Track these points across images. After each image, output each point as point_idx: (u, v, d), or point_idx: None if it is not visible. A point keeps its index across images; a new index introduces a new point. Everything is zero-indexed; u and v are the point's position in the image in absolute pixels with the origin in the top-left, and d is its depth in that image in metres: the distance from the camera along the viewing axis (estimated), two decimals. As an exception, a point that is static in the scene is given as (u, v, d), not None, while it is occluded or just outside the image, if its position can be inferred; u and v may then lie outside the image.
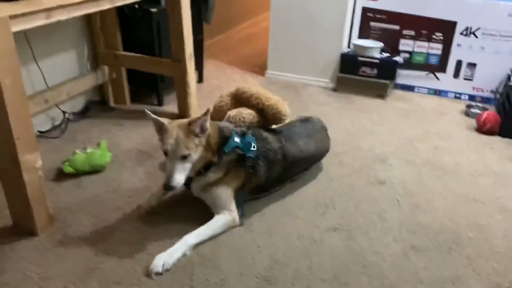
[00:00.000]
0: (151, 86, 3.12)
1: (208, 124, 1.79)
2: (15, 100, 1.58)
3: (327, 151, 2.40)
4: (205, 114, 1.75)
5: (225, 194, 1.90)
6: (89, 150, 2.28)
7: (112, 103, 3.08)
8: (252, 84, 3.56)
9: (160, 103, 3.10)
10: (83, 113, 2.92)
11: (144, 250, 1.77)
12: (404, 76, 3.48)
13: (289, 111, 2.31)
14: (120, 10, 2.81)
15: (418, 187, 2.27)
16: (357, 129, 2.87)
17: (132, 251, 1.77)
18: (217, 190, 1.89)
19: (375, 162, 2.49)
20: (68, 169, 2.20)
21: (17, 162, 1.66)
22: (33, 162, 1.72)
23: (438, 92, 3.43)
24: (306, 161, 2.26)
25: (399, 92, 3.49)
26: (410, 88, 3.49)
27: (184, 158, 1.73)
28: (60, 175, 2.24)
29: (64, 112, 2.77)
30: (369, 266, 1.74)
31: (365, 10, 3.39)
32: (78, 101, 2.92)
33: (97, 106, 3.02)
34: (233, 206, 1.93)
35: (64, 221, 1.92)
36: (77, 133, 2.70)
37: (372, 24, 3.42)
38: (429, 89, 3.45)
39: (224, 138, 1.90)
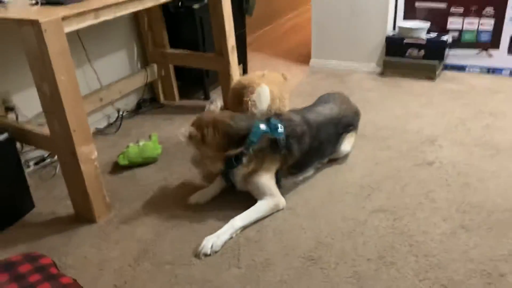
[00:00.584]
0: (197, 82, 3.22)
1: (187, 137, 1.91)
2: (70, 96, 1.71)
3: (357, 113, 2.37)
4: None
5: (265, 180, 1.95)
6: (141, 143, 2.41)
7: (162, 100, 3.22)
8: (295, 74, 3.57)
9: (207, 98, 3.20)
10: (136, 110, 3.08)
11: (194, 234, 1.86)
12: (454, 56, 3.35)
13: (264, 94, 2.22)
14: (165, 8, 2.93)
15: (469, 167, 2.19)
16: (405, 112, 2.81)
17: (183, 234, 1.86)
18: (256, 178, 1.94)
19: (424, 144, 2.43)
20: (122, 161, 2.34)
21: (75, 154, 1.80)
22: (89, 153, 1.85)
23: (491, 70, 3.27)
24: (334, 124, 2.19)
25: (449, 73, 3.36)
26: (461, 68, 3.36)
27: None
28: (116, 168, 2.39)
29: (118, 110, 2.93)
30: (416, 246, 1.72)
31: (409, -10, 3.30)
32: (131, 99, 3.09)
33: (148, 103, 3.17)
34: (275, 190, 1.98)
35: (120, 209, 2.05)
36: (131, 128, 2.85)
37: (417, 4, 3.31)
38: (481, 67, 3.30)
39: (243, 133, 1.92)
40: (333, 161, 2.29)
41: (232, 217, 1.91)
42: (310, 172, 2.19)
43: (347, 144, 2.29)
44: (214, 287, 1.59)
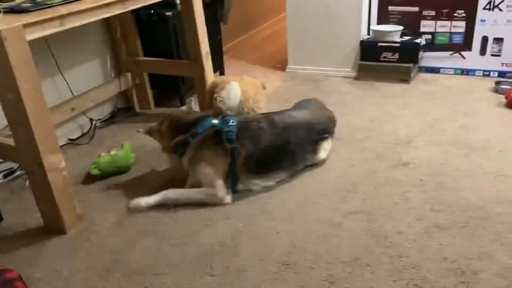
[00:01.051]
0: (173, 89, 3.19)
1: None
2: (35, 105, 1.67)
3: (332, 120, 2.37)
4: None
5: (206, 171, 2.02)
6: (113, 152, 2.36)
7: (137, 109, 3.18)
8: (272, 80, 3.57)
9: (183, 104, 3.17)
10: (110, 120, 3.03)
11: (166, 243, 1.82)
12: (428, 58, 3.39)
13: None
14: (137, 16, 2.91)
15: (443, 167, 2.20)
16: (380, 114, 2.82)
17: (155, 243, 1.82)
18: (198, 167, 2.04)
19: (399, 145, 2.43)
20: (94, 171, 2.29)
21: (41, 164, 1.75)
22: (57, 163, 1.81)
23: (465, 72, 3.31)
24: (305, 129, 2.18)
25: (424, 75, 3.40)
26: (435, 70, 3.39)
27: None
28: (88, 178, 2.34)
29: (91, 120, 2.89)
30: (391, 247, 1.71)
31: (382, -6, 3.34)
32: (105, 109, 3.04)
33: (123, 112, 3.13)
34: (217, 182, 1.99)
35: (91, 220, 2.01)
36: (104, 138, 2.81)
37: (391, 8, 3.35)
38: (455, 69, 3.34)
39: (189, 124, 2.07)
40: (308, 166, 2.28)
41: (207, 224, 1.90)
42: (281, 175, 2.16)
43: (323, 152, 2.27)
44: (186, 296, 1.56)
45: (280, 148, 2.10)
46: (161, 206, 2.05)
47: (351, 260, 1.66)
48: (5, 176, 2.36)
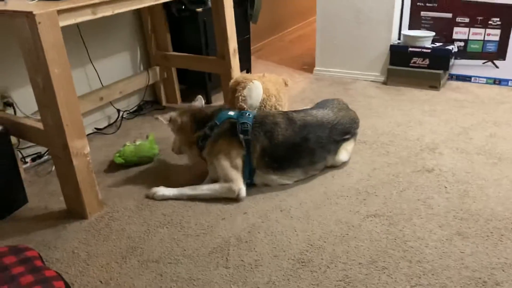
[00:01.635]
0: (200, 85, 3.22)
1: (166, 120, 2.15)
2: (63, 89, 1.71)
3: (355, 121, 2.29)
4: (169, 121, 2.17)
5: (222, 163, 2.03)
6: (138, 142, 2.40)
7: (164, 102, 3.22)
8: (298, 81, 3.56)
9: (208, 101, 3.19)
10: (137, 111, 3.08)
11: (183, 232, 1.83)
12: (460, 66, 3.31)
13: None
14: (168, 12, 2.95)
15: (469, 175, 2.14)
16: (407, 120, 2.77)
17: (172, 233, 1.83)
18: (216, 161, 2.05)
19: (424, 151, 2.38)
20: (118, 159, 2.33)
21: (67, 148, 1.79)
22: (82, 148, 1.85)
23: (497, 81, 3.22)
24: (327, 129, 2.14)
25: (454, 83, 3.32)
26: (466, 78, 3.31)
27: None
28: (112, 166, 2.38)
29: (118, 110, 2.94)
30: (410, 251, 1.67)
31: (414, -1, 3.28)
32: (132, 100, 3.09)
33: (150, 105, 3.18)
34: (233, 175, 2.00)
35: (112, 206, 2.04)
36: (130, 129, 2.85)
37: (423, 13, 3.29)
38: (487, 78, 3.25)
39: (206, 117, 2.11)
40: (329, 167, 2.26)
41: (224, 217, 1.90)
42: (298, 173, 2.14)
43: (344, 153, 2.24)
44: (199, 286, 1.56)
45: (297, 145, 2.08)
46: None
47: (369, 263, 1.63)
48: (33, 160, 2.42)
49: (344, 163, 2.27)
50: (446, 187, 2.06)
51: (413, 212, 1.89)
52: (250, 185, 2.10)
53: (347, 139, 2.25)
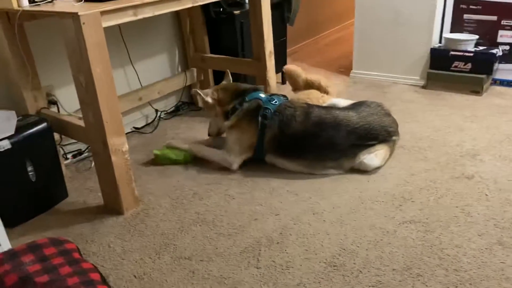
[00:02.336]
0: (235, 87, 3.24)
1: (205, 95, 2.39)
2: (104, 88, 1.77)
3: (387, 128, 2.23)
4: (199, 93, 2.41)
5: (233, 138, 2.27)
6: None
7: (199, 104, 3.26)
8: (335, 84, 3.53)
9: (243, 103, 3.21)
10: (174, 112, 3.14)
11: (215, 231, 1.85)
12: (505, 71, 3.18)
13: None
14: (207, 14, 2.99)
15: (511, 183, 2.06)
16: (446, 125, 2.69)
17: (205, 231, 1.86)
18: (229, 133, 2.30)
19: (464, 157, 2.31)
20: (156, 151, 2.38)
21: (106, 145, 1.85)
22: (120, 145, 1.90)
23: (545, 87, 3.08)
24: (346, 131, 2.15)
25: (498, 88, 3.20)
26: (511, 84, 3.18)
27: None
28: (149, 165, 2.44)
29: (156, 110, 3.01)
30: (447, 259, 1.62)
31: (457, 1, 3.18)
32: (170, 101, 3.15)
33: (187, 106, 3.23)
34: (234, 150, 2.25)
35: (148, 203, 2.08)
36: (167, 129, 2.91)
37: (466, 16, 3.19)
38: (534, 83, 3.12)
39: (240, 93, 2.32)
40: (363, 172, 2.22)
41: (256, 218, 1.91)
42: (302, 165, 2.21)
43: (371, 158, 2.18)
44: (230, 285, 1.57)
45: (305, 140, 2.18)
46: (215, 195, 2.09)
47: (403, 269, 1.59)
48: (74, 156, 2.51)
49: (375, 169, 2.21)
50: (487, 194, 1.99)
51: (451, 220, 1.84)
52: (261, 160, 2.30)
53: (372, 145, 2.19)
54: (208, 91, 2.41)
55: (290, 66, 2.86)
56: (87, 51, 1.67)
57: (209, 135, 2.55)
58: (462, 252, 1.65)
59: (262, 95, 2.29)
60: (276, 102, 2.25)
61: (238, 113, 2.27)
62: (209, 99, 2.37)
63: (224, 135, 2.43)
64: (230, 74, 2.52)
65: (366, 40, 3.49)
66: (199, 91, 2.39)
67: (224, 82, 2.49)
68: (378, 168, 2.23)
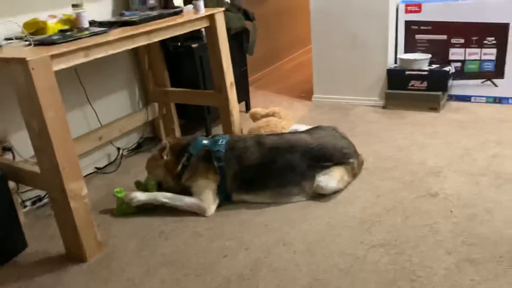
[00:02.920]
0: (199, 119, 3.22)
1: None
2: (58, 132, 1.71)
3: (341, 150, 2.24)
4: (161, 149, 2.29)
5: (199, 184, 2.20)
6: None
7: (163, 138, 3.21)
8: (297, 109, 3.57)
9: (208, 134, 3.18)
10: (137, 149, 3.08)
11: (184, 272, 1.79)
12: (459, 86, 3.30)
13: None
14: (165, 48, 2.99)
15: (475, 198, 2.09)
16: (409, 143, 2.74)
17: (171, 272, 1.79)
18: (193, 182, 2.22)
19: (428, 175, 2.34)
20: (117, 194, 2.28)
21: (64, 191, 1.78)
22: (79, 190, 1.83)
23: (497, 100, 3.20)
24: (300, 153, 2.18)
25: (454, 104, 3.31)
26: (466, 99, 3.30)
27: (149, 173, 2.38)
28: (113, 205, 2.35)
29: (118, 149, 2.94)
30: (419, 281, 1.61)
31: (408, 23, 3.30)
32: (132, 138, 3.09)
33: (150, 141, 3.17)
34: (205, 196, 2.17)
35: (112, 247, 2.00)
36: (131, 167, 2.84)
37: (418, 36, 3.31)
38: (487, 97, 3.23)
39: (183, 148, 2.27)
40: (329, 197, 2.21)
41: (226, 255, 1.86)
42: (267, 194, 2.19)
43: (329, 180, 2.18)
44: (201, 329, 1.51)
45: (265, 167, 2.18)
46: (183, 233, 2.03)
47: (376, 295, 1.57)
48: (33, 203, 2.41)
49: (333, 191, 2.21)
50: (452, 211, 2.01)
51: (420, 240, 1.84)
52: (229, 201, 2.24)
53: (327, 167, 2.20)
54: (155, 154, 2.32)
55: (251, 111, 2.98)
56: (38, 97, 1.62)
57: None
58: (433, 272, 1.65)
59: (205, 141, 2.27)
60: (222, 141, 2.24)
61: (190, 167, 2.23)
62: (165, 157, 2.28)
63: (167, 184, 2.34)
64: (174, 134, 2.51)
65: (325, 64, 3.56)
66: (159, 148, 2.30)
67: (169, 140, 2.39)
68: (336, 191, 2.22)
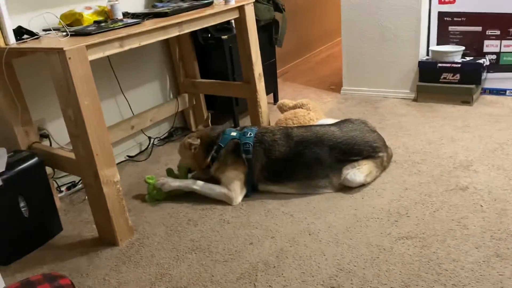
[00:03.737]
0: (227, 110, 3.26)
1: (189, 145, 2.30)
2: (93, 120, 1.78)
3: (371, 144, 2.23)
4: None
5: (228, 175, 2.23)
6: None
7: (193, 128, 3.27)
8: (326, 101, 3.55)
9: (236, 125, 3.22)
10: (167, 138, 3.15)
11: (211, 258, 1.83)
12: (493, 80, 3.21)
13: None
14: (195, 40, 3.03)
15: (507, 193, 2.05)
16: (439, 137, 2.70)
17: (201, 259, 1.84)
18: (222, 174, 2.25)
19: (457, 169, 2.30)
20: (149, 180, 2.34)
21: (97, 177, 1.85)
22: (112, 176, 1.90)
23: (534, 93, 3.11)
24: (328, 146, 2.17)
25: (488, 97, 3.22)
26: (500, 92, 3.21)
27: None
28: (143, 193, 2.42)
29: (149, 138, 3.01)
30: (445, 274, 1.60)
31: (441, 14, 3.23)
32: (163, 128, 3.17)
33: (180, 131, 3.24)
34: (233, 186, 2.20)
35: (143, 232, 2.07)
36: (161, 156, 2.91)
37: (451, 28, 3.24)
38: (523, 91, 3.14)
39: (212, 141, 2.29)
40: (357, 189, 2.21)
41: (252, 242, 1.89)
42: (295, 186, 2.21)
43: (356, 174, 2.17)
44: (227, 313, 1.55)
45: (292, 160, 2.19)
46: (210, 220, 2.08)
47: (401, 286, 1.57)
48: (68, 188, 2.50)
49: (360, 185, 2.20)
50: (482, 205, 1.98)
51: (447, 233, 1.82)
52: (256, 191, 2.28)
53: (356, 160, 2.19)
54: (187, 141, 2.31)
55: (279, 102, 2.99)
56: (74, 85, 1.69)
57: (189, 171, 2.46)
58: (459, 266, 1.64)
59: (234, 133, 2.28)
60: (250, 134, 2.25)
61: (219, 159, 2.26)
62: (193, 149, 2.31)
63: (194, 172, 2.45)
64: (209, 119, 2.48)
65: (355, 57, 3.53)
66: (190, 141, 2.30)
67: (200, 127, 2.45)
68: (364, 185, 2.21)
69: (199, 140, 2.29)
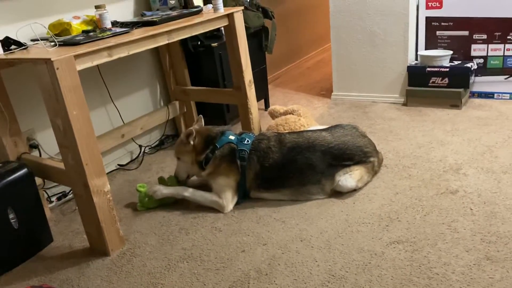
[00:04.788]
0: (218, 116, 3.26)
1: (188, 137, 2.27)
2: (82, 130, 1.77)
3: (362, 149, 2.23)
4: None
5: (219, 182, 2.21)
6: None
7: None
8: (317, 107, 3.57)
9: (227, 132, 3.22)
10: (158, 146, 3.14)
11: (202, 266, 1.82)
12: (481, 83, 3.25)
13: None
14: (185, 47, 3.03)
15: (496, 196, 2.07)
16: (428, 140, 2.72)
17: (191, 267, 1.83)
18: (214, 180, 2.24)
19: (447, 172, 2.32)
20: (141, 208, 2.34)
21: (88, 187, 1.84)
22: (102, 186, 1.89)
23: (522, 96, 3.14)
24: (320, 151, 2.18)
25: (476, 100, 3.25)
26: (488, 95, 3.24)
27: (179, 159, 2.36)
28: (135, 202, 2.41)
29: (140, 146, 3.00)
30: (436, 278, 1.61)
31: (429, 19, 3.26)
32: (154, 136, 3.16)
33: (171, 139, 3.23)
34: (226, 194, 2.20)
35: (134, 242, 2.06)
36: (152, 164, 2.90)
37: (439, 32, 3.27)
38: (511, 93, 3.17)
39: (211, 138, 2.26)
40: (347, 194, 2.22)
41: (244, 250, 1.89)
42: (287, 193, 2.21)
43: (347, 179, 2.18)
44: (219, 321, 1.54)
45: (285, 166, 2.19)
46: (202, 228, 2.08)
47: (392, 292, 1.58)
48: (58, 199, 2.49)
49: (352, 190, 2.21)
50: (471, 209, 1.99)
51: (438, 237, 1.83)
52: (247, 198, 2.28)
53: (348, 165, 2.20)
54: (191, 130, 2.28)
55: (270, 108, 3.00)
56: (63, 95, 1.68)
57: (178, 178, 2.39)
58: (450, 269, 1.65)
59: (232, 137, 2.26)
60: (248, 141, 2.24)
61: (213, 161, 2.22)
62: (191, 142, 2.27)
63: (193, 178, 2.43)
64: (203, 120, 2.44)
65: (344, 62, 3.55)
66: (191, 128, 2.28)
67: (196, 127, 2.37)
68: (355, 190, 2.22)
69: (197, 128, 2.31)
